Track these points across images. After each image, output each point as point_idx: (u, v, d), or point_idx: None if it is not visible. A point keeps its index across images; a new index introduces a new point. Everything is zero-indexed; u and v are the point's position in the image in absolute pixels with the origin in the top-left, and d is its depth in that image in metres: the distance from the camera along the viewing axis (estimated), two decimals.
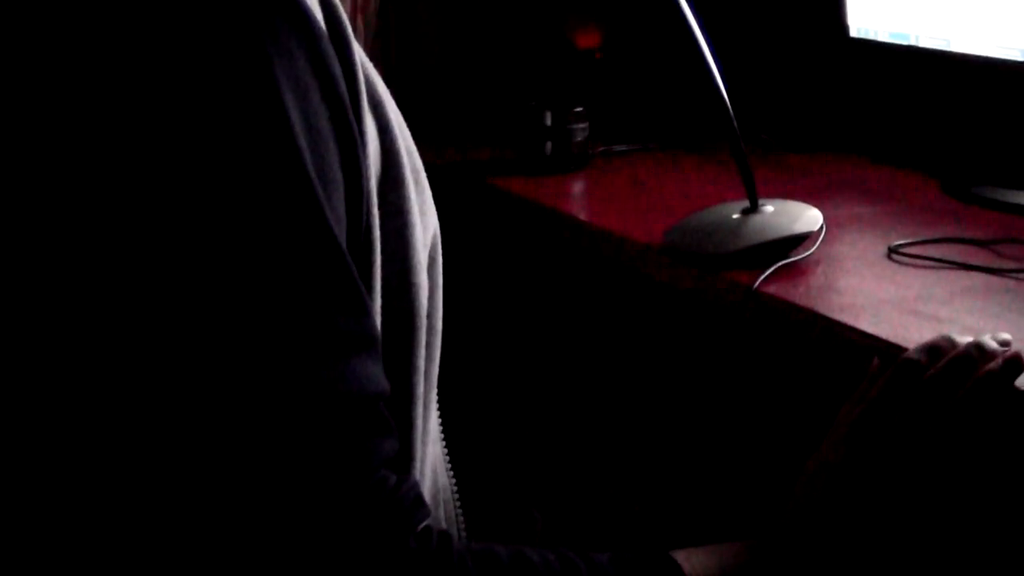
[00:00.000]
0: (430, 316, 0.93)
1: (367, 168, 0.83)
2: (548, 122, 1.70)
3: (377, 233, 0.85)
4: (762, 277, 1.20)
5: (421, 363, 0.91)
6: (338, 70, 0.80)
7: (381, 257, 0.86)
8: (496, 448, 1.45)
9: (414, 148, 0.93)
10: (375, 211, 0.84)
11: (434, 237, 0.94)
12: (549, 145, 1.71)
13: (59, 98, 0.75)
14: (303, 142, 0.76)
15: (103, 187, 0.75)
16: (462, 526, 1.02)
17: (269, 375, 0.75)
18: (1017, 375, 0.94)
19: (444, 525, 0.99)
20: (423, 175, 0.94)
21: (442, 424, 1.01)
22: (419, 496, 0.81)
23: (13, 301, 0.77)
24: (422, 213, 0.92)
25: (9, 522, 0.82)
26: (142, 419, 0.77)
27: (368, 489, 0.77)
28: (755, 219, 1.27)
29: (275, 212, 0.75)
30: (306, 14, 0.78)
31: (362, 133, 0.82)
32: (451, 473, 1.02)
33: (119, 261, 0.75)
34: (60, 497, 0.80)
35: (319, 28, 0.79)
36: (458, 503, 1.02)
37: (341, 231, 0.79)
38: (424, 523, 0.80)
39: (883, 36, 1.64)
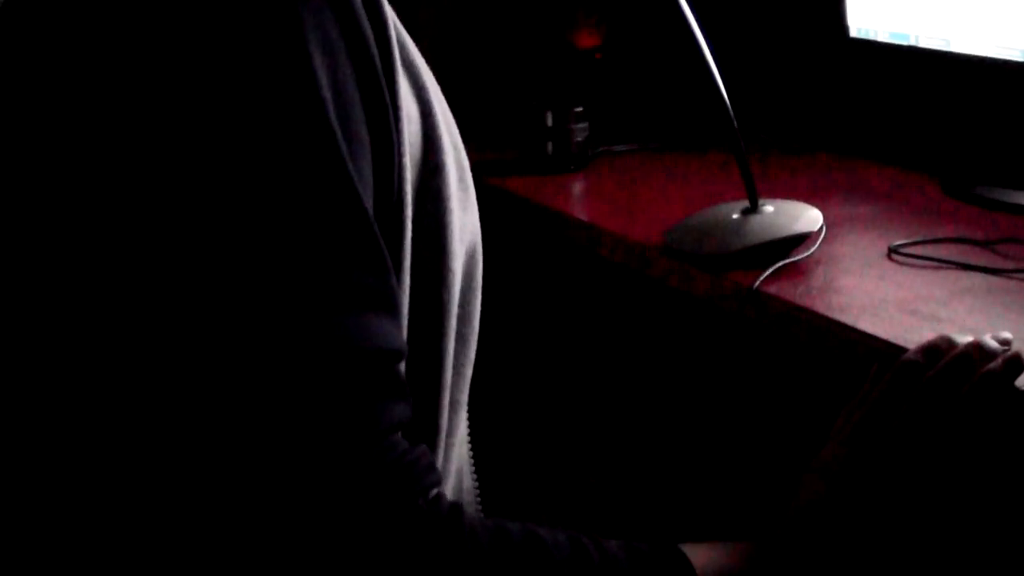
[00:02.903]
0: (465, 305, 0.93)
1: (401, 141, 0.83)
2: (548, 122, 1.70)
3: (409, 211, 0.85)
4: (762, 277, 1.20)
5: (450, 349, 0.91)
6: (370, 34, 0.81)
7: (417, 238, 0.86)
8: (511, 452, 1.45)
9: (461, 146, 0.93)
10: (408, 188, 0.85)
11: (474, 236, 0.94)
12: (549, 145, 1.71)
13: (84, 55, 0.77)
14: (329, 98, 0.77)
15: (125, 137, 0.76)
16: None
17: (278, 320, 0.75)
18: (1017, 375, 0.94)
19: None
20: (468, 173, 0.94)
21: (470, 427, 1.01)
22: (431, 463, 0.80)
23: (24, 278, 0.78)
24: (463, 209, 0.92)
25: (9, 521, 0.82)
26: (149, 373, 0.77)
27: (376, 446, 0.76)
28: (755, 219, 1.27)
29: (297, 161, 0.76)
30: None
31: (395, 101, 0.83)
32: (475, 477, 1.02)
33: (135, 200, 0.76)
34: (66, 479, 0.80)
35: None
36: (480, 507, 1.02)
37: (366, 192, 0.80)
38: (436, 489, 0.80)
39: (883, 36, 1.64)
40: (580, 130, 1.71)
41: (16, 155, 0.80)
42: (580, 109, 1.71)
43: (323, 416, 0.75)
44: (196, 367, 0.76)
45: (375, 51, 0.81)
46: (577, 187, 1.67)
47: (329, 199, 0.76)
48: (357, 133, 0.79)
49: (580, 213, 1.54)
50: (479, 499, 1.02)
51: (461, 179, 0.92)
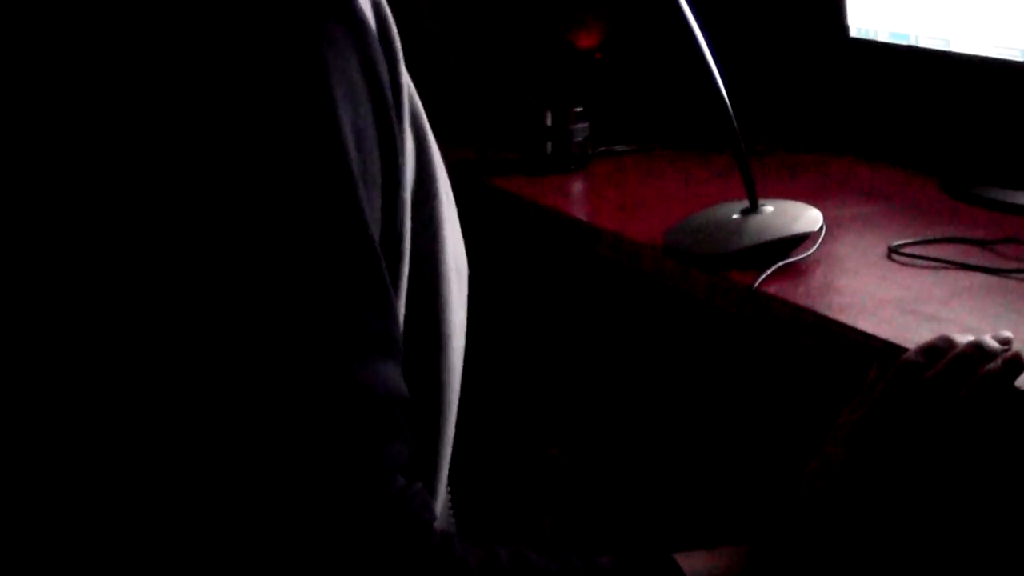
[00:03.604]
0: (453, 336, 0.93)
1: (404, 176, 0.83)
2: (548, 122, 1.70)
3: (407, 243, 0.85)
4: (762, 277, 1.20)
5: (448, 376, 0.92)
6: (386, 76, 0.81)
7: (411, 266, 0.86)
8: (496, 454, 1.45)
9: (443, 166, 0.94)
10: (407, 219, 0.85)
11: (462, 258, 0.95)
12: (549, 145, 1.71)
13: (114, 92, 0.76)
14: (350, 142, 0.77)
15: (144, 177, 0.75)
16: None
17: (288, 363, 0.75)
18: (1017, 375, 0.94)
19: None
20: (451, 196, 0.94)
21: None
22: (426, 499, 0.81)
23: (27, 298, 0.78)
24: (452, 233, 0.92)
25: (10, 522, 0.82)
26: (151, 406, 0.77)
27: (375, 486, 0.77)
28: (755, 219, 1.27)
29: (316, 208, 0.76)
30: (360, 19, 0.79)
31: (402, 136, 0.83)
32: (448, 489, 1.02)
33: (150, 231, 0.76)
34: (62, 497, 0.80)
35: (372, 34, 0.80)
36: (451, 512, 1.02)
37: (376, 232, 0.80)
38: (430, 524, 0.80)
39: (883, 36, 1.64)
40: (580, 130, 1.71)
41: (23, 169, 0.79)
42: (580, 109, 1.71)
43: (322, 455, 0.76)
44: (205, 402, 0.76)
45: (390, 94, 0.81)
46: (577, 187, 1.67)
47: (343, 244, 0.77)
48: (372, 174, 0.80)
49: (580, 213, 1.53)
50: (450, 506, 1.02)
51: (448, 204, 0.92)
